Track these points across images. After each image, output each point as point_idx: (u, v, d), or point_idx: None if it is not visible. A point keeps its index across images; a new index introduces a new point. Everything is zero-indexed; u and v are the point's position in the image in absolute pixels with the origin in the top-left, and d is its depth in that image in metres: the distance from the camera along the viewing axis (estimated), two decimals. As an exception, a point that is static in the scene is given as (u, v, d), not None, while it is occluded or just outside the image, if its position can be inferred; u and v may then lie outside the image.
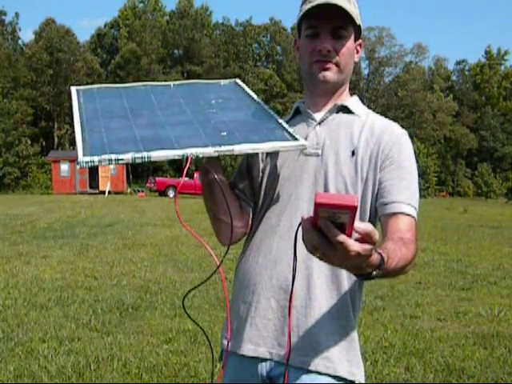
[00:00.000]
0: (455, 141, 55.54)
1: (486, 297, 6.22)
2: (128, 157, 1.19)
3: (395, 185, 1.36)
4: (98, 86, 1.61)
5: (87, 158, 1.18)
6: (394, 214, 1.33)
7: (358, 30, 1.44)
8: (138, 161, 1.20)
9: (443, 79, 60.80)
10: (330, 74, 1.41)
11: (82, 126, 1.33)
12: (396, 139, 1.40)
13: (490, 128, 57.65)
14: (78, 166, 1.20)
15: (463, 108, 58.95)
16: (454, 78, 64.50)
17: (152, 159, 1.21)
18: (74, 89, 1.55)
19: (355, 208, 0.85)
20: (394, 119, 1.49)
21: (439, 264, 8.36)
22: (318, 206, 0.86)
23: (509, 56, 63.20)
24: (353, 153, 1.39)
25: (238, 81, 1.69)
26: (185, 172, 1.21)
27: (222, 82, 1.68)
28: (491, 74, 60.88)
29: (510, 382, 3.69)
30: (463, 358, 4.10)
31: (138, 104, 1.49)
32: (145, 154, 1.20)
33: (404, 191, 1.36)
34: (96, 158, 1.18)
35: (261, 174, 1.49)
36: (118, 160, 1.19)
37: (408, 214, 1.34)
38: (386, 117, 1.50)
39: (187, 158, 1.21)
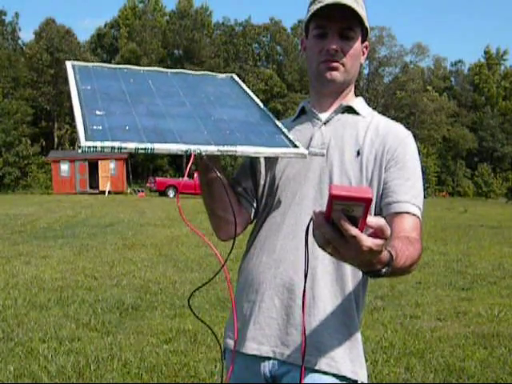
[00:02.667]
0: (454, 141, 55.52)
1: (485, 297, 6.22)
2: (131, 146, 1.16)
3: (400, 185, 1.36)
4: (94, 63, 1.56)
5: (89, 143, 1.13)
6: (399, 213, 1.34)
7: (365, 32, 1.45)
8: (141, 151, 1.17)
9: (442, 79, 60.77)
10: (338, 74, 1.42)
11: (81, 106, 1.28)
12: (401, 140, 1.41)
13: (490, 128, 57.63)
14: (79, 150, 1.14)
15: (462, 108, 58.92)
16: (451, 78, 64.49)
17: (155, 152, 1.17)
18: (69, 64, 1.50)
19: (370, 200, 0.84)
20: (394, 119, 1.49)
21: (439, 264, 8.36)
22: (333, 199, 0.85)
23: (508, 56, 63.32)
24: (358, 153, 1.39)
25: (235, 76, 1.68)
26: (188, 168, 1.20)
27: (219, 75, 1.67)
28: (490, 74, 60.88)
29: (510, 382, 3.69)
30: (463, 358, 4.10)
31: (137, 89, 1.46)
32: (148, 145, 1.17)
33: (409, 191, 1.36)
34: (99, 144, 1.14)
35: (265, 172, 1.49)
36: (121, 149, 1.15)
37: (413, 214, 1.34)
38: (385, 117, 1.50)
39: (190, 154, 1.20)
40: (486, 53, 63.11)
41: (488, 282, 7.02)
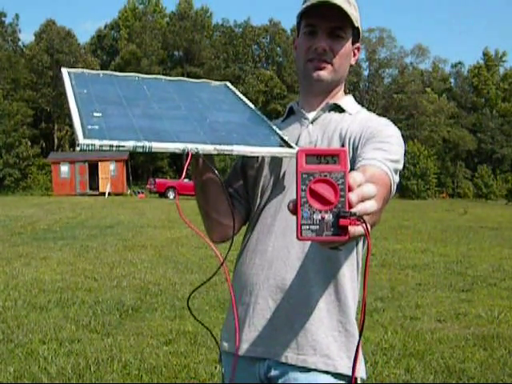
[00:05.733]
0: (454, 142, 55.53)
1: (486, 298, 6.22)
2: (129, 144, 1.16)
3: (371, 151, 1.28)
4: (89, 70, 1.59)
5: (88, 141, 1.14)
6: (362, 165, 1.23)
7: (356, 34, 1.44)
8: (139, 150, 1.17)
9: (441, 81, 60.80)
10: (325, 74, 1.41)
11: (78, 108, 1.29)
12: (380, 124, 1.38)
13: (489, 130, 57.63)
14: (77, 148, 1.13)
15: (461, 110, 58.94)
16: (451, 79, 64.54)
17: (153, 150, 1.18)
18: (65, 70, 1.53)
19: (344, 152, 0.81)
20: (394, 121, 1.48)
21: (439, 265, 8.36)
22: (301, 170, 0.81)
23: (507, 57, 63.33)
24: (342, 147, 1.39)
25: (229, 84, 1.71)
26: (186, 167, 1.20)
27: (213, 83, 1.70)
28: (489, 76, 60.90)
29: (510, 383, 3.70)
30: (463, 360, 4.10)
31: (132, 93, 1.47)
32: (146, 143, 1.17)
33: (380, 154, 1.25)
34: (97, 142, 1.14)
35: (256, 174, 1.49)
36: (119, 147, 1.16)
37: (378, 167, 1.21)
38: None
39: (187, 152, 1.20)
40: (484, 54, 63.14)
41: (488, 284, 7.02)
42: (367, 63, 56.63)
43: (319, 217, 0.80)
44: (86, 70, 1.58)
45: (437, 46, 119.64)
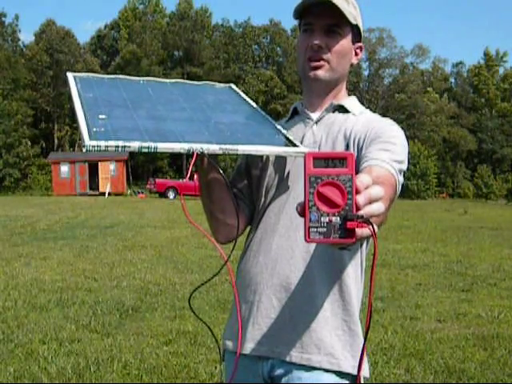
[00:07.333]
0: (454, 142, 55.53)
1: (485, 298, 6.22)
2: (135, 145, 1.17)
3: (376, 151, 1.29)
4: (94, 74, 1.61)
5: (94, 142, 1.15)
6: (367, 166, 1.24)
7: (357, 32, 1.45)
8: (145, 150, 1.18)
9: (442, 81, 60.79)
10: (322, 72, 1.42)
11: (83, 111, 1.31)
12: (384, 125, 1.40)
13: (489, 130, 57.62)
14: (84, 149, 1.15)
15: (461, 109, 58.93)
16: (451, 79, 64.56)
17: (158, 150, 1.19)
18: (70, 75, 1.54)
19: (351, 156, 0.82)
20: (394, 121, 1.48)
21: (439, 265, 8.36)
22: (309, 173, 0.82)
23: (507, 58, 63.24)
24: (347, 147, 1.40)
25: (233, 86, 1.72)
26: (191, 167, 1.21)
27: (217, 85, 1.71)
28: (489, 76, 60.90)
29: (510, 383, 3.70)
30: (463, 360, 4.10)
31: (137, 96, 1.49)
32: (151, 144, 1.18)
33: (385, 154, 1.27)
34: (103, 143, 1.15)
35: (260, 173, 1.50)
36: (125, 147, 1.17)
37: (384, 168, 1.22)
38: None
39: (193, 152, 1.21)
40: (485, 54, 63.14)
41: (488, 284, 7.02)
42: (367, 63, 56.64)
43: (327, 219, 0.82)
44: (90, 74, 1.60)
45: (437, 46, 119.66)
